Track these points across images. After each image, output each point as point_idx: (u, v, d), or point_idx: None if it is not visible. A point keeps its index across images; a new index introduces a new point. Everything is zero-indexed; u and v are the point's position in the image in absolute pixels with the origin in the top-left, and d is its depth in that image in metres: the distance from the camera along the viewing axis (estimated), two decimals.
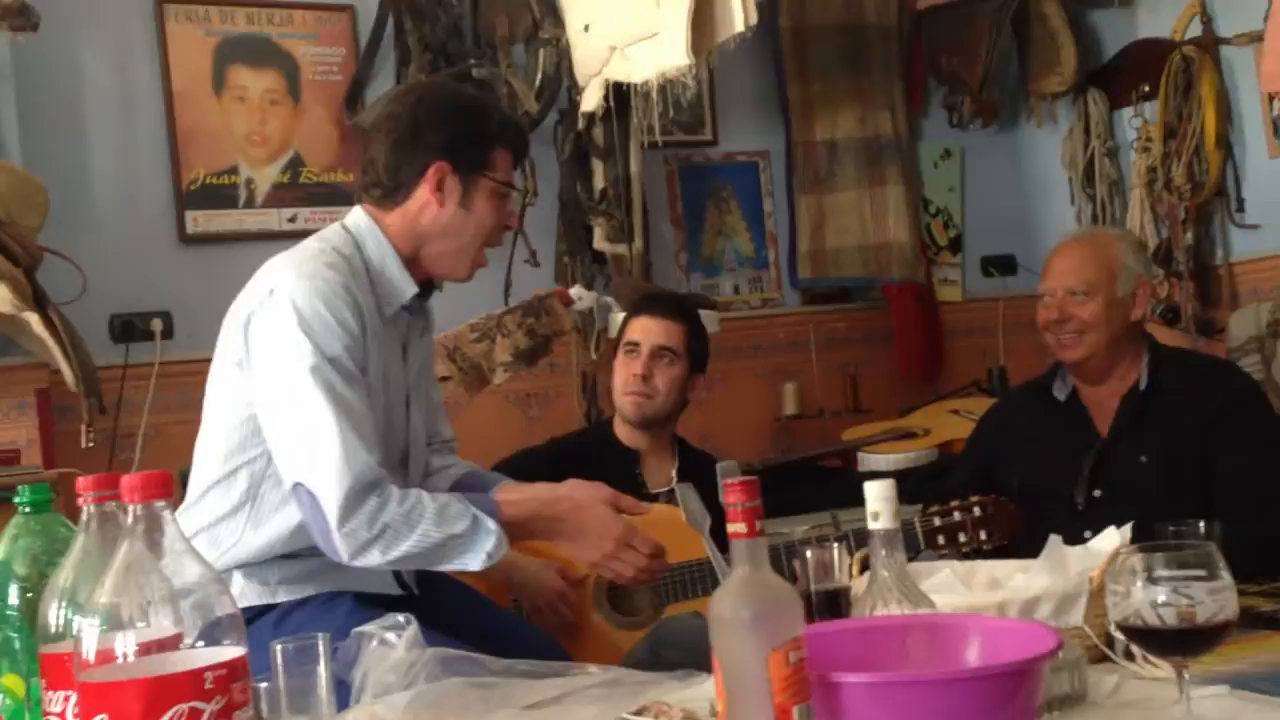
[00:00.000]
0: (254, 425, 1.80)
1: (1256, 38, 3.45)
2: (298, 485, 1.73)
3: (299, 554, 1.84)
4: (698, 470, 2.47)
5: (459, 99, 2.03)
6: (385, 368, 1.87)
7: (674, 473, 2.63)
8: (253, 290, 1.83)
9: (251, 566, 1.83)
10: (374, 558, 1.72)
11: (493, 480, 2.07)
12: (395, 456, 1.91)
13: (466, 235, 1.92)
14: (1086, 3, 4.15)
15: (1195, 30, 3.83)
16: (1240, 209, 3.78)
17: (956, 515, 2.19)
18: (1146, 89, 3.93)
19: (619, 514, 1.90)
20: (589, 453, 2.64)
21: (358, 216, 1.93)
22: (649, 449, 2.65)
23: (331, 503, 1.69)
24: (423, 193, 1.89)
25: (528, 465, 2.58)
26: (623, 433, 2.67)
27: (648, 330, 2.63)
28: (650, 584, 2.15)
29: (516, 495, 1.90)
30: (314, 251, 1.84)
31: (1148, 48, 3.98)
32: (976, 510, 2.19)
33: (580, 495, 1.89)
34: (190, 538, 1.83)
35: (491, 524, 1.76)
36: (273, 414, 1.77)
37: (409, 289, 1.90)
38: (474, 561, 1.76)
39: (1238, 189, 3.79)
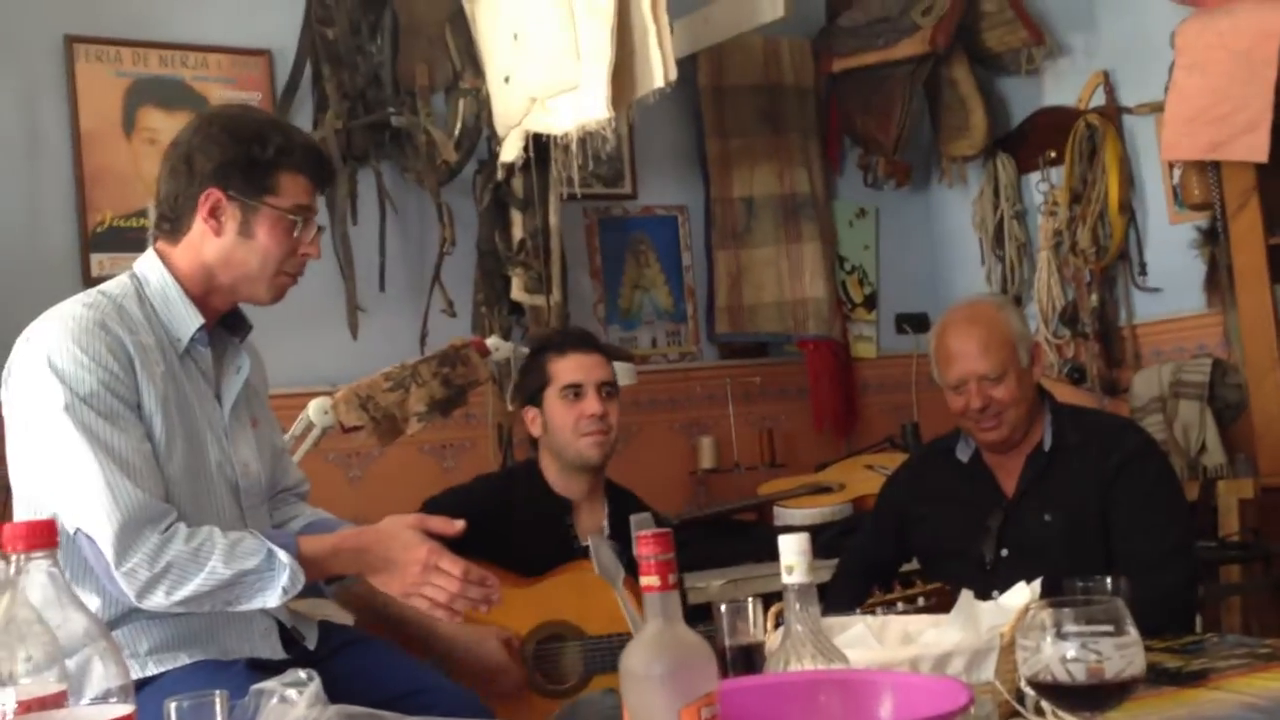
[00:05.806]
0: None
1: (1158, 107, 3.57)
2: (77, 531, 1.69)
3: (161, 614, 1.75)
4: (628, 516, 2.40)
5: (239, 123, 1.88)
6: (187, 404, 1.82)
7: (604, 523, 2.48)
8: (15, 343, 1.79)
9: (117, 632, 1.74)
10: (159, 598, 1.68)
11: (338, 526, 2.00)
12: (221, 495, 1.85)
13: (252, 265, 1.85)
14: (995, 70, 4.28)
15: (1099, 99, 3.97)
16: (1143, 272, 3.90)
17: (900, 606, 2.13)
18: (1053, 155, 4.05)
19: (427, 537, 1.84)
20: (519, 498, 2.50)
21: (144, 257, 1.89)
22: (583, 498, 2.50)
23: (106, 542, 1.66)
24: (200, 222, 1.84)
25: (456, 502, 2.42)
26: (556, 480, 2.50)
27: (585, 367, 2.48)
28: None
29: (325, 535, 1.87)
30: (75, 298, 1.81)
31: (1053, 115, 4.10)
32: (921, 600, 2.15)
33: (386, 524, 1.86)
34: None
35: (285, 557, 1.72)
36: (39, 462, 1.73)
37: (193, 321, 1.84)
38: (271, 598, 1.72)
39: (1140, 253, 3.91)
